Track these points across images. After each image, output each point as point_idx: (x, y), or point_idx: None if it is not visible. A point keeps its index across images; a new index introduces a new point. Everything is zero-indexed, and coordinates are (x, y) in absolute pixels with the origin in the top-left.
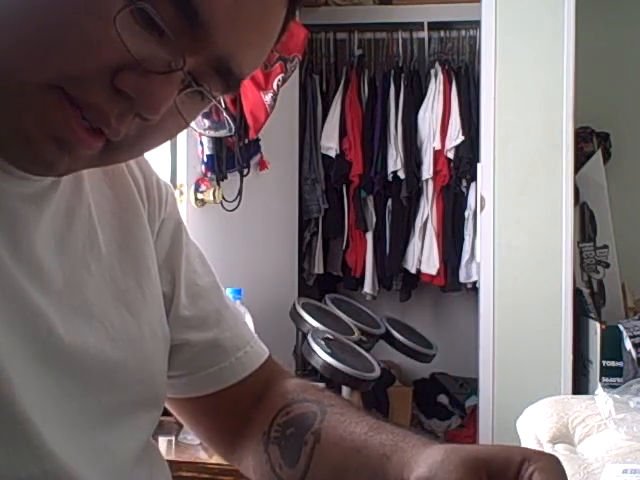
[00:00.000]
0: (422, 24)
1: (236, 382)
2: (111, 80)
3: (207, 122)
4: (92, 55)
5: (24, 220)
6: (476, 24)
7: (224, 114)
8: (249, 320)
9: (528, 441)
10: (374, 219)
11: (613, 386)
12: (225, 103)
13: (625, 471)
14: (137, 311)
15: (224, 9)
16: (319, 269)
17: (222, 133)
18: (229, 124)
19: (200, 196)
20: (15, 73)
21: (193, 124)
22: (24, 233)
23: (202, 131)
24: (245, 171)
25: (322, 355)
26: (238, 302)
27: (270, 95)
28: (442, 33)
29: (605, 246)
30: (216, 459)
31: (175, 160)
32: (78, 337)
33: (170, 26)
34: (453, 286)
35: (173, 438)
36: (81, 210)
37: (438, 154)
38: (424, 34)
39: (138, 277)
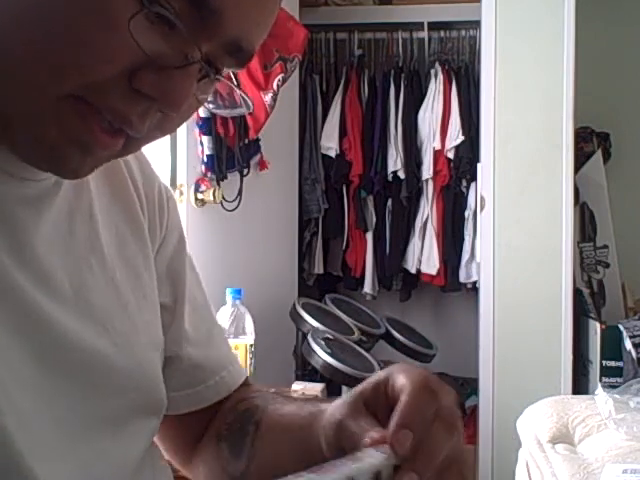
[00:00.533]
0: (422, 24)
1: (217, 400)
2: (129, 82)
3: (221, 102)
4: (108, 62)
5: (24, 224)
6: (476, 24)
7: (239, 92)
8: (249, 320)
9: (528, 441)
10: (374, 219)
11: (613, 386)
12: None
13: (625, 471)
14: (135, 317)
15: None
16: (319, 269)
17: (238, 112)
18: (246, 102)
19: (200, 196)
20: (32, 86)
21: (209, 105)
22: (26, 237)
23: (218, 110)
24: (245, 171)
25: (322, 355)
26: (238, 302)
27: (270, 95)
28: (442, 33)
29: (605, 246)
30: None
31: (175, 160)
32: (85, 341)
33: (182, 19)
34: (453, 286)
35: None
36: (83, 210)
37: (438, 154)
38: (424, 34)
39: (134, 284)
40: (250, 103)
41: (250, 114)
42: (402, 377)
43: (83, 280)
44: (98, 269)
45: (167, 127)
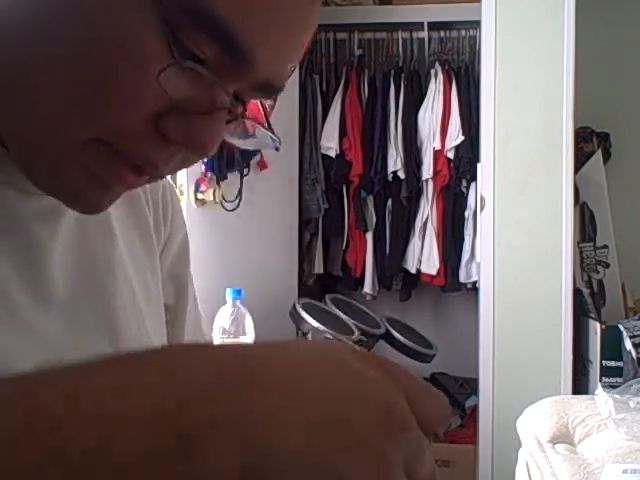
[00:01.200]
0: (422, 24)
1: None
2: (155, 127)
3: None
4: (135, 109)
5: (40, 241)
6: (476, 24)
7: (267, 131)
8: (249, 320)
9: (528, 441)
10: (374, 219)
11: (613, 386)
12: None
13: (625, 471)
14: (145, 319)
15: (268, 40)
16: (319, 269)
17: (265, 145)
18: (274, 140)
19: (200, 196)
20: (57, 130)
21: (235, 141)
22: (41, 256)
23: (243, 144)
24: (245, 171)
25: None
26: (238, 302)
27: None
28: (442, 33)
29: (605, 246)
30: None
31: None
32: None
33: (213, 66)
34: (453, 286)
35: None
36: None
37: (438, 154)
38: (424, 34)
39: (142, 284)
40: (278, 141)
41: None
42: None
43: (104, 286)
44: (119, 270)
45: (190, 163)
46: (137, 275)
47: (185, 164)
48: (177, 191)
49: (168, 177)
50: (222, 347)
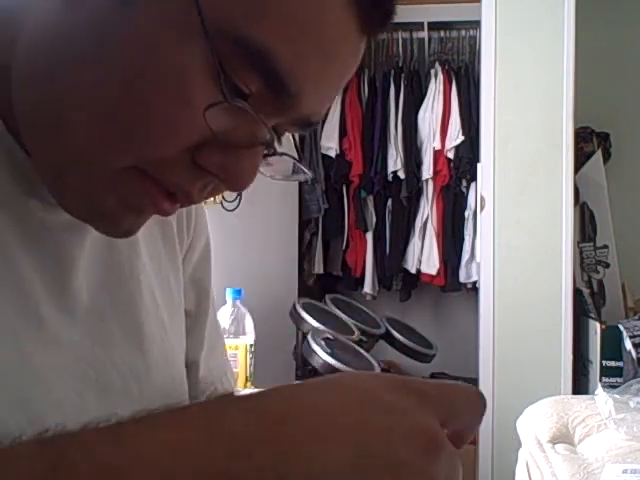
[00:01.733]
0: (422, 24)
1: None
2: (192, 157)
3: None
4: (176, 140)
5: (67, 251)
6: (476, 24)
7: (300, 166)
8: (249, 320)
9: (528, 441)
10: (374, 219)
11: (613, 386)
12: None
13: (625, 471)
14: (168, 328)
15: (313, 78)
16: (319, 269)
17: (298, 178)
18: (305, 173)
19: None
20: (93, 157)
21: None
22: (68, 267)
23: (278, 177)
24: None
25: (322, 355)
26: (238, 302)
27: None
28: (442, 33)
29: (605, 246)
30: None
31: None
32: (126, 364)
33: (257, 101)
34: (453, 286)
35: None
36: None
37: (438, 154)
38: (424, 34)
39: (165, 291)
40: (309, 174)
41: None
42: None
43: (130, 297)
44: (143, 279)
45: (222, 191)
46: (160, 284)
47: (217, 193)
48: None
49: None
50: (259, 397)
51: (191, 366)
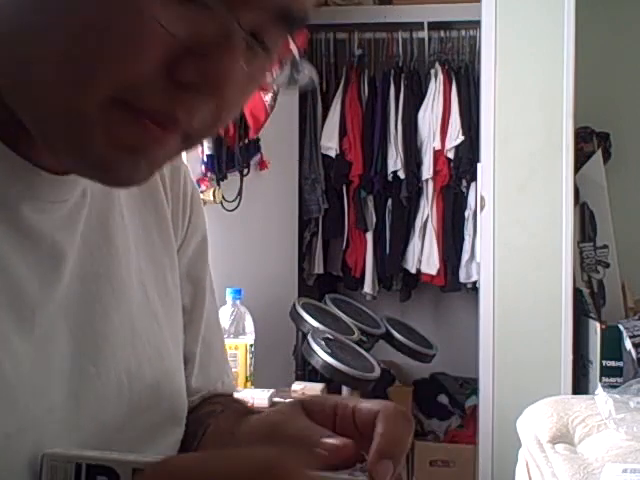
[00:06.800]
0: (422, 24)
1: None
2: (169, 75)
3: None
4: (139, 56)
5: (61, 250)
6: (476, 24)
7: (298, 61)
8: (249, 320)
9: (528, 441)
10: (374, 219)
11: (613, 386)
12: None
13: (625, 471)
14: (162, 324)
15: None
16: (319, 269)
17: (302, 84)
18: (311, 75)
19: (200, 196)
20: (69, 99)
21: (269, 82)
22: (61, 265)
23: (281, 86)
24: (245, 171)
25: (322, 355)
26: (238, 302)
27: (270, 95)
28: (442, 33)
29: (605, 246)
30: None
31: None
32: (118, 363)
33: None
34: (453, 286)
35: None
36: (114, 214)
37: (438, 154)
38: (424, 34)
39: (160, 285)
40: (313, 76)
41: (250, 114)
42: (371, 404)
43: (123, 293)
44: (135, 274)
45: (226, 112)
46: (156, 277)
47: (214, 120)
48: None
49: (193, 180)
50: None
51: (187, 361)
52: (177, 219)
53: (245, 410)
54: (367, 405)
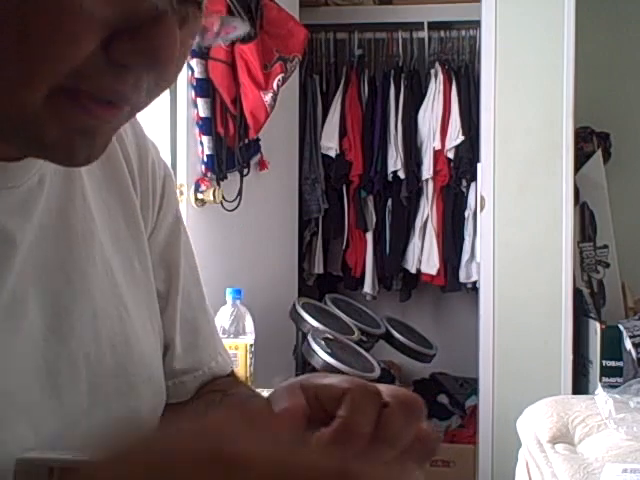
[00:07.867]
0: (422, 24)
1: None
2: (107, 57)
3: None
4: (74, 44)
5: (11, 236)
6: (476, 24)
7: (236, 7)
8: (249, 320)
9: (528, 441)
10: (374, 219)
11: (613, 386)
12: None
13: (625, 471)
14: (130, 308)
15: None
16: (319, 269)
17: (238, 33)
18: (241, 15)
19: (200, 196)
20: (14, 96)
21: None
22: (12, 250)
23: (217, 41)
24: (245, 171)
25: (322, 355)
26: (238, 302)
27: (270, 95)
28: (442, 33)
29: (605, 246)
30: None
31: (175, 160)
32: (84, 348)
33: None
34: (453, 286)
35: None
36: (76, 197)
37: (438, 154)
38: (424, 34)
39: (127, 270)
40: (246, 27)
41: (250, 114)
42: (337, 380)
43: (84, 277)
44: (98, 258)
45: (165, 81)
46: (122, 264)
47: (160, 85)
48: (177, 192)
49: (168, 165)
50: None
51: (167, 345)
52: (147, 204)
53: (247, 394)
54: (333, 382)
